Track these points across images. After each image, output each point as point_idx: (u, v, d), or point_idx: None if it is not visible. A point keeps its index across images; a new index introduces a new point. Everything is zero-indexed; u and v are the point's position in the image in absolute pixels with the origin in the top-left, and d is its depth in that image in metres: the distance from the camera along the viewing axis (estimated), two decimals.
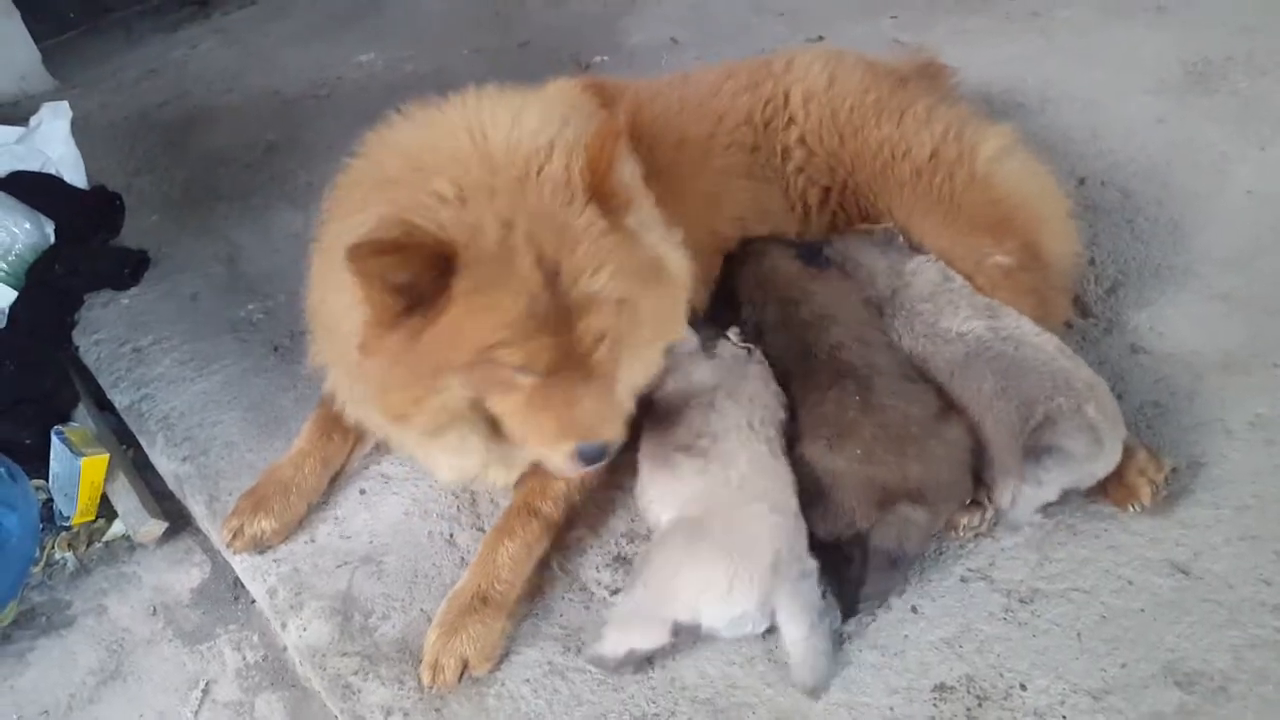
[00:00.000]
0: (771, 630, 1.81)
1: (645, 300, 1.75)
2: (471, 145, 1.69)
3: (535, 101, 1.86)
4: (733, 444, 1.90)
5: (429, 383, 1.68)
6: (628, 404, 1.88)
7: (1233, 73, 3.20)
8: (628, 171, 1.82)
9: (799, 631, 1.74)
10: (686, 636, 1.79)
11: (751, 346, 2.12)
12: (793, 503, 1.86)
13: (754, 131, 2.37)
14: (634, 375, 1.89)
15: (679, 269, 1.90)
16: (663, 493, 1.93)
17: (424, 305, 1.59)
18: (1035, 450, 1.86)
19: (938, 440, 1.89)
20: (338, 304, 1.75)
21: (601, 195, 1.65)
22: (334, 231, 1.80)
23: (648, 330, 1.83)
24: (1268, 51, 3.26)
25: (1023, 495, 1.89)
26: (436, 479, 2.15)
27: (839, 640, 1.85)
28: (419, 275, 1.56)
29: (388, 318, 1.61)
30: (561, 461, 1.73)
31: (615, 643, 1.79)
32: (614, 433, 1.75)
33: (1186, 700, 1.73)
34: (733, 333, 2.15)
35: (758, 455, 1.90)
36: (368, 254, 1.51)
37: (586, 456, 1.72)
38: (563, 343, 1.64)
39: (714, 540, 1.75)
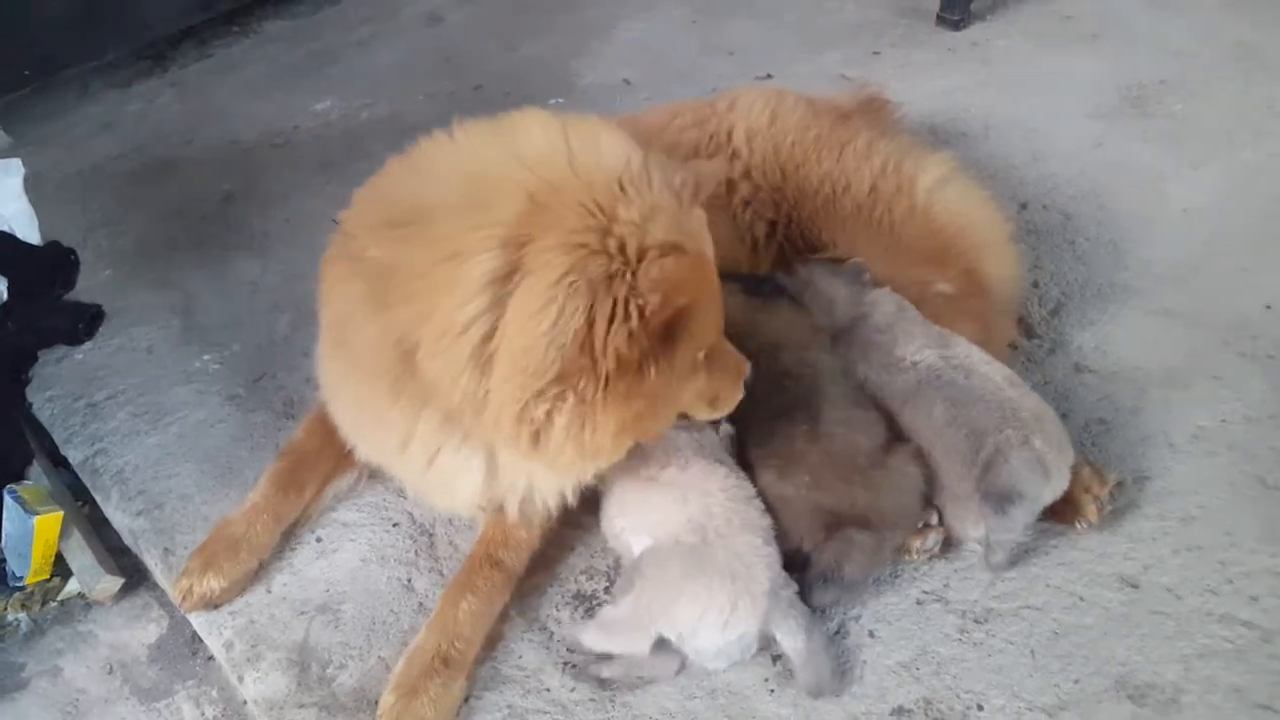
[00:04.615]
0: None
1: None
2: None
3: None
4: (699, 470, 1.93)
5: (674, 402, 1.78)
6: None
7: (1166, 96, 3.31)
8: None
9: (800, 641, 1.79)
10: (664, 656, 1.81)
11: None
12: (771, 528, 1.89)
13: None
14: None
15: None
16: (637, 522, 1.93)
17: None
18: (996, 497, 1.88)
19: (885, 469, 1.92)
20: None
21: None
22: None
23: None
24: (1198, 75, 3.38)
25: (1000, 545, 1.93)
26: (437, 505, 2.13)
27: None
28: None
29: (637, 361, 1.60)
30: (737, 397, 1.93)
31: (596, 641, 1.84)
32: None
33: (1139, 713, 1.76)
34: None
35: (727, 483, 1.92)
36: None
37: (749, 378, 1.93)
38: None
39: (717, 568, 1.79)
